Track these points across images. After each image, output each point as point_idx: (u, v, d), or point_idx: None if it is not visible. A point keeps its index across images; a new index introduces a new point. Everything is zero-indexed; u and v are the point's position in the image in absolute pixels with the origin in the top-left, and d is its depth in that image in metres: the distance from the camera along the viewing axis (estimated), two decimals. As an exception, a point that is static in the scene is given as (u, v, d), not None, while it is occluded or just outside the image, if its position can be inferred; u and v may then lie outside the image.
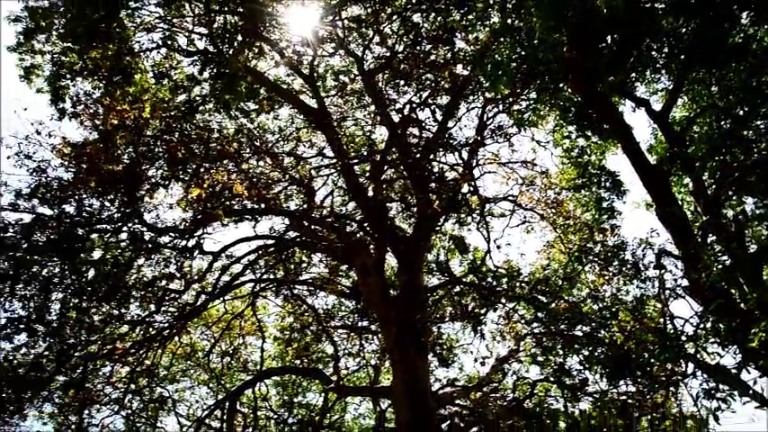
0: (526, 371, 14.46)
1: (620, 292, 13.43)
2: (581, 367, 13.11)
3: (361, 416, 18.05)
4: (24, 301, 12.76)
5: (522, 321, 14.58)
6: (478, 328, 14.56)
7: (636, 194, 15.06)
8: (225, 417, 14.96)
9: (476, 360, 14.77)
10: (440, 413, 13.36)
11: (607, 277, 13.72)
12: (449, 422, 13.60)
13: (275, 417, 16.55)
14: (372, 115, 15.42)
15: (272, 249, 15.21)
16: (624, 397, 12.44)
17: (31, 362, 13.23)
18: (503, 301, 14.55)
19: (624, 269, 13.25)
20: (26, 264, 12.45)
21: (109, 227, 13.09)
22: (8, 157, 11.90)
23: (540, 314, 14.08)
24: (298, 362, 16.73)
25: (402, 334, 12.53)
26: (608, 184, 13.57)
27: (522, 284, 14.61)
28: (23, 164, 11.96)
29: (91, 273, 13.16)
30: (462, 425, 13.65)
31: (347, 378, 16.71)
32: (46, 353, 13.36)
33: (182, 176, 13.24)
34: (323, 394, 15.79)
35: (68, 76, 12.00)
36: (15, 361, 13.18)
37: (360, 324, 16.12)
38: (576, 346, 13.33)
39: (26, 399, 13.46)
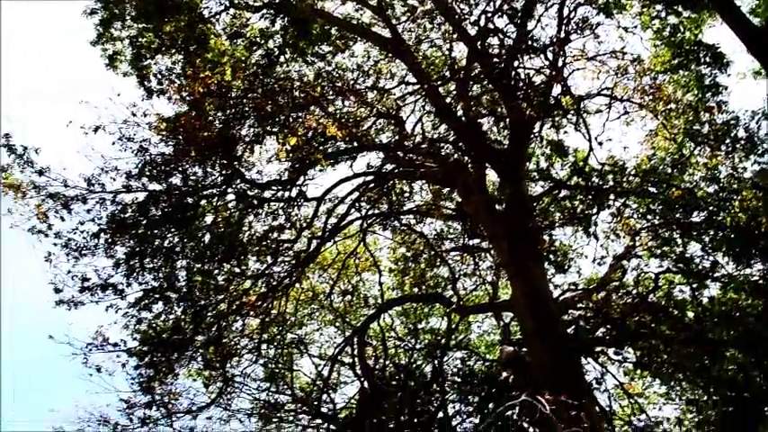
0: (646, 265, 14.15)
1: (737, 170, 12.78)
2: (704, 254, 12.72)
3: (485, 332, 18.26)
4: (154, 273, 13.62)
5: (635, 216, 14.19)
6: (590, 229, 14.32)
7: (740, 65, 14.08)
8: (356, 351, 15.58)
9: (593, 261, 14.62)
10: (564, 319, 13.36)
11: (720, 157, 13.05)
12: (574, 326, 13.59)
13: (403, 345, 17.06)
14: (448, 33, 15.02)
15: (372, 185, 15.36)
16: (756, 277, 12.02)
17: (172, 326, 14.20)
18: (611, 198, 14.19)
19: (738, 145, 12.57)
20: (148, 239, 13.22)
21: (215, 191, 13.63)
22: (113, 143, 12.50)
23: (652, 206, 13.67)
24: (416, 289, 17.07)
25: (515, 246, 12.50)
26: (707, 58, 12.73)
27: (630, 178, 14.15)
28: (127, 147, 12.55)
29: (207, 237, 13.81)
30: (588, 327, 13.62)
31: (466, 298, 16.91)
32: (182, 316, 14.28)
33: (274, 130, 13.49)
34: (445, 317, 16.07)
35: (148, 55, 12.36)
36: (158, 327, 14.20)
37: (471, 243, 16.16)
38: (695, 232, 12.91)
39: (174, 360, 14.52)
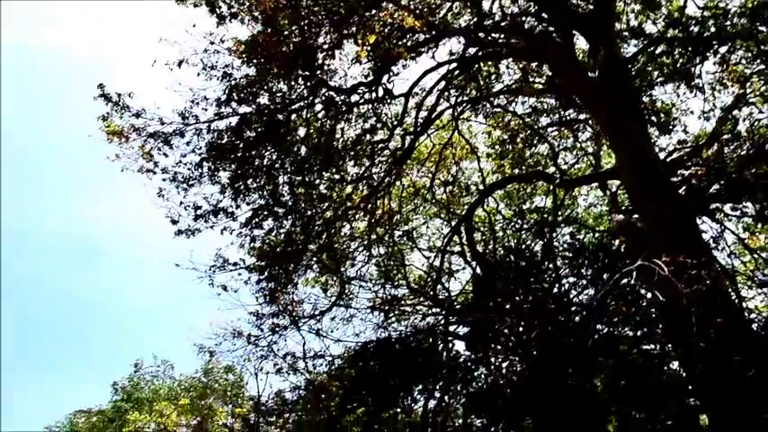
0: (760, 112, 13.28)
1: None
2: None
3: (592, 205, 17.88)
4: (259, 192, 14.12)
5: (744, 61, 13.21)
6: (693, 83, 13.53)
7: None
8: (464, 239, 15.77)
9: (700, 116, 13.90)
10: (674, 179, 12.90)
11: None
12: (686, 186, 13.13)
13: (510, 227, 17.04)
14: None
15: (457, 72, 14.99)
16: None
17: (284, 239, 14.82)
18: (715, 45, 13.22)
19: None
20: (247, 160, 13.63)
21: (302, 104, 13.74)
22: (197, 75, 12.73)
23: (764, 46, 12.66)
24: (516, 171, 16.85)
25: (614, 112, 12.01)
26: None
27: (735, 21, 13.06)
28: (211, 75, 12.75)
29: (303, 150, 14.07)
30: (701, 184, 13.11)
31: (569, 172, 16.56)
32: (292, 229, 14.84)
33: (350, 32, 13.27)
34: (550, 194, 15.87)
35: (213, -20, 12.27)
36: (271, 242, 14.85)
37: (568, 116, 15.66)
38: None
39: (291, 270, 15.24)
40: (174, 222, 13.73)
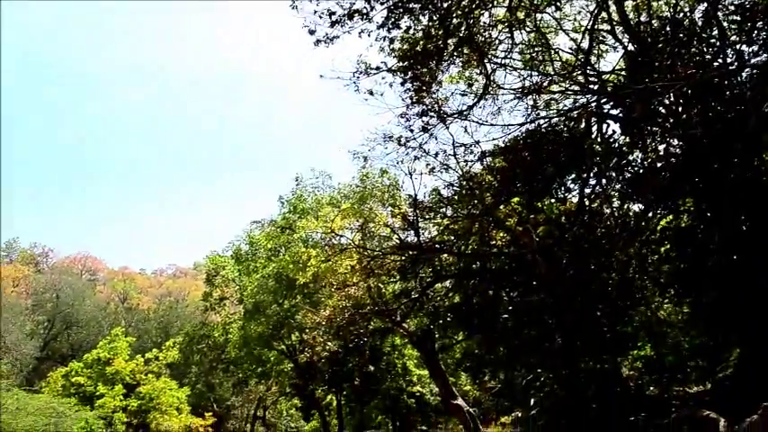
0: None
1: None
2: None
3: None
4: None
5: None
6: None
7: None
8: (613, 13, 14.65)
9: None
10: None
11: None
12: None
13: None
14: None
15: None
16: None
17: (423, 37, 14.44)
18: None
19: None
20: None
21: None
22: None
23: None
24: None
25: None
26: None
27: None
28: None
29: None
30: None
31: None
32: (429, 24, 14.37)
33: None
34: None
35: None
36: (411, 41, 14.56)
37: None
38: None
39: (434, 68, 14.99)
40: (312, 33, 13.64)
